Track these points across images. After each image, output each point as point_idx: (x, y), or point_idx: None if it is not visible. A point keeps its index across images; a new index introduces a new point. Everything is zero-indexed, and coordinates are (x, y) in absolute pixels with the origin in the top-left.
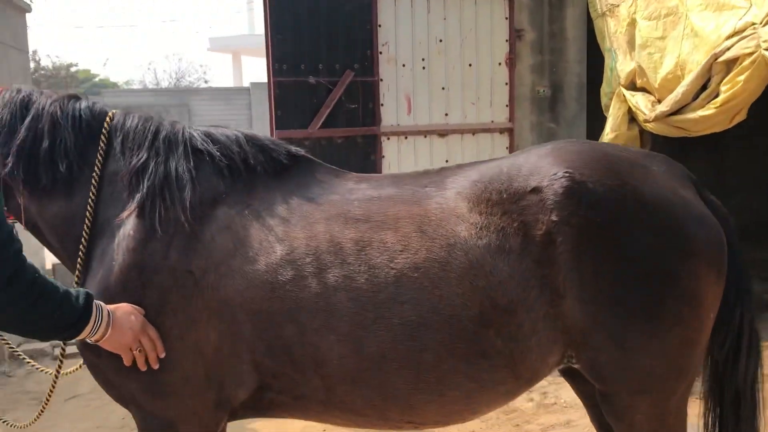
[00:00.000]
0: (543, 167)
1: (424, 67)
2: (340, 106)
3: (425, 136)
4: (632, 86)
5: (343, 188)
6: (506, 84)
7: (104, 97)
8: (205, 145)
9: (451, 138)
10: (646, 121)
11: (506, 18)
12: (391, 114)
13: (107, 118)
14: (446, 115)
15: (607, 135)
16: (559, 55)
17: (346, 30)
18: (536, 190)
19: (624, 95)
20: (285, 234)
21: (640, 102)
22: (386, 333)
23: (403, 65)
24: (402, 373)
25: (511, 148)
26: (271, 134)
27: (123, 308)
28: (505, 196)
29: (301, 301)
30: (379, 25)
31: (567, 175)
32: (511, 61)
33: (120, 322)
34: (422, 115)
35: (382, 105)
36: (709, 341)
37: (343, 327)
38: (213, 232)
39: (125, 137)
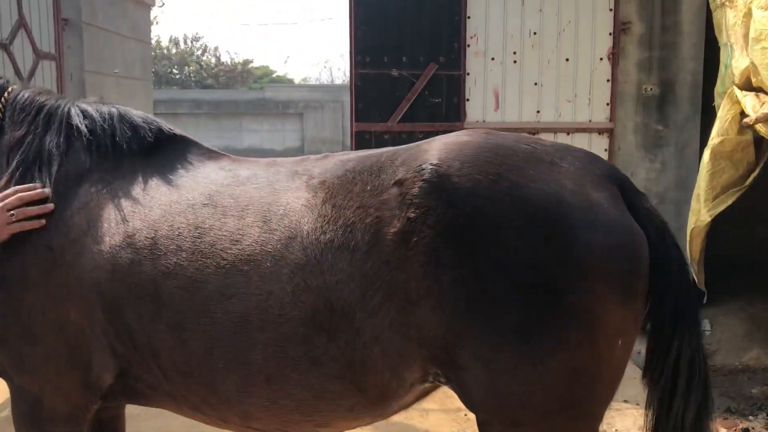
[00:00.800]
0: (417, 158)
1: (515, 61)
2: (423, 100)
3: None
4: (748, 85)
5: (208, 170)
6: (608, 81)
7: (276, 91)
8: (77, 120)
9: (542, 137)
10: (746, 124)
11: (611, 9)
12: (476, 110)
13: (5, 93)
14: (538, 112)
15: (713, 140)
16: (671, 50)
17: (433, 22)
18: (398, 183)
19: (737, 95)
20: (131, 215)
21: (748, 103)
22: (211, 327)
23: (493, 59)
24: (229, 373)
25: (611, 151)
26: (351, 127)
27: None
28: (368, 188)
29: (137, 287)
30: (468, 17)
31: (432, 167)
32: (615, 57)
33: None
34: (511, 112)
35: (467, 100)
36: (646, 374)
37: (171, 317)
38: (73, 210)
39: (13, 111)
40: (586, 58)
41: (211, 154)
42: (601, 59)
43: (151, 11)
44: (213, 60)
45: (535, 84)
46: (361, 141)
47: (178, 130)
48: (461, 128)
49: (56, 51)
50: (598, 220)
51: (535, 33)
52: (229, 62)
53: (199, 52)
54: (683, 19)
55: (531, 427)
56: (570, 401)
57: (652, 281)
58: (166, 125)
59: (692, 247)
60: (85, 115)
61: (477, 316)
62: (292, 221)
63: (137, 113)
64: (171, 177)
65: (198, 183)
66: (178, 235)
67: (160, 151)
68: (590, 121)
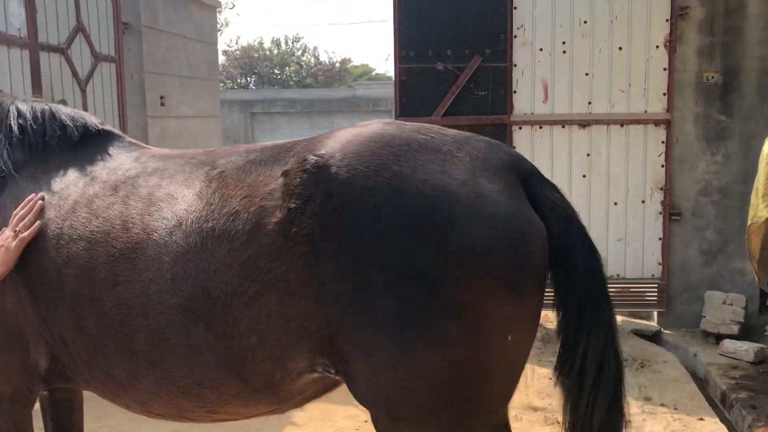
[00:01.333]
0: (309, 149)
1: (564, 51)
2: (467, 93)
3: (563, 126)
4: None
5: (122, 162)
6: (664, 69)
7: (367, 89)
8: (10, 120)
9: (594, 129)
10: None
11: None
12: (524, 102)
13: None
14: (589, 103)
15: None
16: (736, 35)
17: (477, 14)
18: (285, 173)
19: None
20: (48, 206)
21: None
22: (102, 314)
23: (541, 49)
24: (120, 360)
25: (669, 143)
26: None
27: None
28: (260, 178)
29: (42, 274)
30: (515, 8)
31: (315, 158)
32: (672, 44)
33: None
34: (561, 104)
35: (514, 92)
36: (555, 372)
37: (70, 304)
38: (6, 203)
39: None
40: (640, 46)
41: (131, 147)
42: (657, 47)
43: (222, 13)
44: (312, 60)
45: (586, 74)
46: None
47: (105, 126)
48: (508, 121)
49: (116, 53)
50: (483, 211)
51: (585, 21)
52: (327, 62)
53: (299, 53)
54: (749, 1)
55: (415, 423)
56: (454, 397)
57: (555, 275)
58: (95, 121)
59: (750, 245)
60: (19, 114)
61: (357, 308)
62: (181, 209)
63: (67, 111)
64: (89, 170)
65: (109, 175)
66: (80, 224)
67: (86, 146)
68: (645, 111)
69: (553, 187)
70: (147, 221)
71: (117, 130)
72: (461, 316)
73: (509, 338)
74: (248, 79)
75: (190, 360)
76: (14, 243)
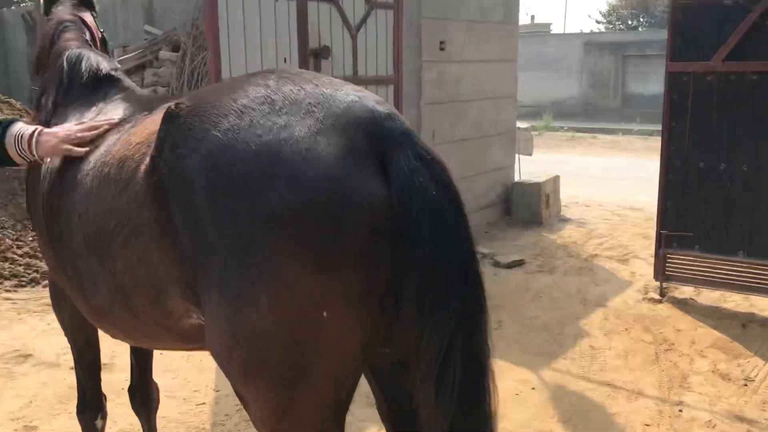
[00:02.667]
0: (181, 97)
1: None
2: (760, 33)
3: None
4: None
5: (99, 104)
6: None
7: None
8: (65, 65)
9: None
10: None
11: None
12: None
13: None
14: None
15: None
16: None
17: None
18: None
19: None
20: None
21: None
22: (63, 246)
23: None
24: (65, 280)
25: None
26: (666, 67)
27: (49, 129)
28: (154, 126)
29: (47, 207)
30: None
31: (173, 107)
32: None
33: (43, 137)
34: None
35: None
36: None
37: (57, 235)
38: None
39: None
40: None
41: (120, 90)
42: None
43: None
44: None
45: None
46: (676, 84)
47: (113, 71)
48: None
49: (394, 0)
50: (305, 174)
51: None
52: None
53: None
54: None
55: (241, 385)
56: (270, 368)
57: (393, 253)
58: (105, 66)
59: None
60: (66, 60)
61: (198, 262)
62: (100, 152)
63: (91, 56)
64: (79, 112)
65: (85, 117)
66: (62, 162)
67: (93, 90)
68: None
69: (415, 152)
70: (82, 162)
71: (120, 75)
72: (270, 283)
73: (324, 314)
74: (640, 20)
75: (94, 290)
76: (63, 145)
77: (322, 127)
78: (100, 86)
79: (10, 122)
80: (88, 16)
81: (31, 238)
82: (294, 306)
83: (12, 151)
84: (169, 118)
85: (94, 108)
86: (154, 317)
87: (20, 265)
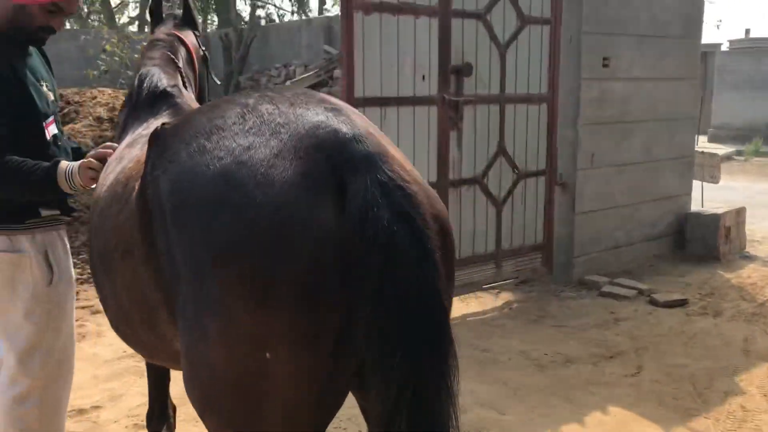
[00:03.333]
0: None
1: None
2: None
3: None
4: None
5: (148, 120)
6: None
7: None
8: (136, 82)
9: None
10: None
11: None
12: None
13: None
14: None
15: None
16: None
17: None
18: None
19: None
20: (115, 157)
21: None
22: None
23: None
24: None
25: None
26: None
27: (81, 162)
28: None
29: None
30: None
31: (158, 128)
32: None
33: (81, 171)
34: None
35: None
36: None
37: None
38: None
39: None
40: None
41: (168, 110)
42: None
43: None
44: None
45: None
46: None
47: (169, 88)
48: None
49: (552, 15)
50: (253, 201)
51: None
52: None
53: None
54: None
55: (199, 416)
56: (219, 406)
57: (343, 292)
58: (167, 82)
59: None
60: (138, 78)
61: (172, 288)
62: (119, 169)
63: (155, 72)
64: (137, 128)
65: (137, 134)
66: (103, 179)
67: (152, 105)
68: None
69: (375, 178)
70: (108, 176)
71: (176, 91)
72: (217, 317)
73: (267, 355)
74: None
75: (106, 304)
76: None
77: (284, 150)
78: (156, 102)
79: (57, 162)
80: (188, 35)
81: None
82: (238, 343)
83: (63, 185)
84: (153, 138)
85: (144, 123)
86: (149, 337)
87: None
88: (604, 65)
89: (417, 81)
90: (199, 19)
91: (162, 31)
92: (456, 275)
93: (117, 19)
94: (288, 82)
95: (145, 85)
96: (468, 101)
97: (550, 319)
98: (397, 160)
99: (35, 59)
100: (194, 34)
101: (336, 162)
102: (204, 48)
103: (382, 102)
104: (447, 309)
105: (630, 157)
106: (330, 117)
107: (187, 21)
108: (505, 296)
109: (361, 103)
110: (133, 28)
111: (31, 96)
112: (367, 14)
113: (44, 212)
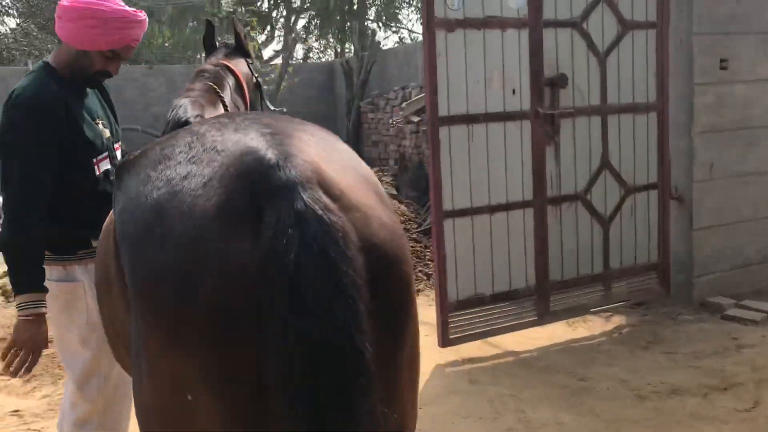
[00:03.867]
0: None
1: None
2: None
3: None
4: None
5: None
6: None
7: None
8: (169, 114)
9: None
10: None
11: None
12: None
13: None
14: None
15: None
16: None
17: None
18: None
19: None
20: None
21: None
22: None
23: None
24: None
25: None
26: None
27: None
28: None
29: None
30: None
31: (125, 157)
32: None
33: (22, 324)
34: None
35: None
36: None
37: None
38: None
39: None
40: None
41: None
42: None
43: None
44: None
45: None
46: None
47: (191, 119)
48: None
49: (658, 18)
50: (171, 233)
51: None
52: None
53: None
54: None
55: None
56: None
57: (259, 329)
58: (191, 113)
59: None
60: (172, 109)
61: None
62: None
63: (183, 103)
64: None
65: None
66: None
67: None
68: None
69: (290, 207)
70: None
71: (196, 121)
72: (144, 354)
73: (189, 398)
74: None
75: (106, 331)
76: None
77: (213, 178)
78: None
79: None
80: (239, 63)
81: None
82: (160, 384)
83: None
84: (117, 170)
85: None
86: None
87: None
88: (722, 67)
89: (507, 96)
90: (251, 45)
91: (210, 62)
92: (560, 298)
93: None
94: (404, 104)
95: (170, 116)
96: (565, 114)
97: (662, 345)
98: (333, 184)
99: (92, 99)
100: (246, 61)
101: (256, 191)
102: (256, 75)
103: (469, 119)
104: (363, 354)
105: (757, 166)
106: (261, 142)
107: (239, 49)
108: (617, 320)
109: (447, 122)
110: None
111: (83, 133)
112: (450, 31)
113: (95, 243)
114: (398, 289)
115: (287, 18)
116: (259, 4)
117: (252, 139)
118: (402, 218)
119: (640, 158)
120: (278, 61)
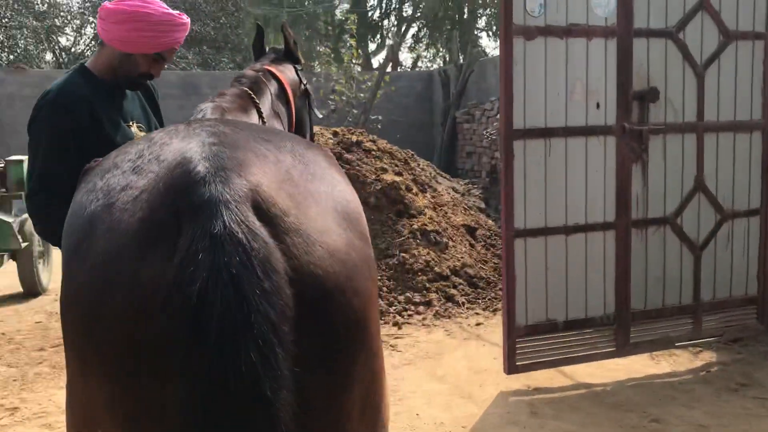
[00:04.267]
0: None
1: None
2: None
3: None
4: None
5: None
6: None
7: None
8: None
9: None
10: None
11: None
12: None
13: None
14: None
15: None
16: None
17: None
18: None
19: None
20: None
21: None
22: None
23: None
24: None
25: None
26: None
27: None
28: None
29: None
30: None
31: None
32: None
33: None
34: None
35: None
36: None
37: None
38: None
39: None
40: None
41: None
42: None
43: None
44: None
45: None
46: None
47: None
48: None
49: (766, 28)
50: (92, 251)
51: None
52: None
53: None
54: None
55: None
56: None
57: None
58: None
59: None
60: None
61: None
62: None
63: (204, 107)
64: None
65: None
66: None
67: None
68: None
69: (206, 229)
70: None
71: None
72: (67, 382)
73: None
74: None
75: None
76: None
77: (145, 191)
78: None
79: None
80: (286, 69)
81: None
82: (75, 415)
83: None
84: (80, 175)
85: None
86: None
87: None
88: None
89: (590, 109)
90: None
91: (252, 67)
92: (641, 329)
93: (345, 60)
94: (499, 115)
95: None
96: (655, 130)
97: (755, 388)
98: (273, 205)
99: (131, 101)
100: (294, 68)
101: (179, 207)
102: (305, 82)
103: (547, 133)
104: (272, 403)
105: None
106: (197, 152)
107: (288, 55)
108: (707, 356)
109: (521, 135)
110: (357, 67)
111: (108, 134)
112: (530, 39)
113: None
114: (342, 324)
115: (398, 27)
116: (370, 13)
117: (191, 149)
118: (488, 232)
119: (740, 181)
120: (389, 69)
